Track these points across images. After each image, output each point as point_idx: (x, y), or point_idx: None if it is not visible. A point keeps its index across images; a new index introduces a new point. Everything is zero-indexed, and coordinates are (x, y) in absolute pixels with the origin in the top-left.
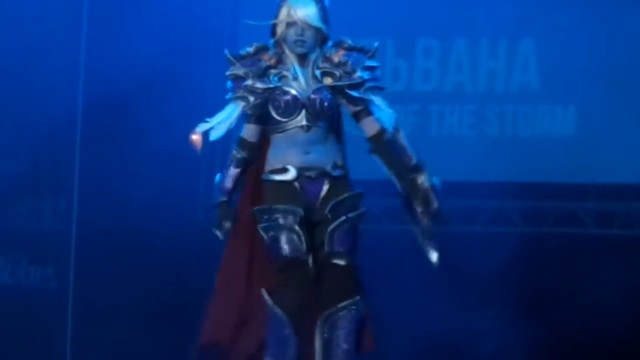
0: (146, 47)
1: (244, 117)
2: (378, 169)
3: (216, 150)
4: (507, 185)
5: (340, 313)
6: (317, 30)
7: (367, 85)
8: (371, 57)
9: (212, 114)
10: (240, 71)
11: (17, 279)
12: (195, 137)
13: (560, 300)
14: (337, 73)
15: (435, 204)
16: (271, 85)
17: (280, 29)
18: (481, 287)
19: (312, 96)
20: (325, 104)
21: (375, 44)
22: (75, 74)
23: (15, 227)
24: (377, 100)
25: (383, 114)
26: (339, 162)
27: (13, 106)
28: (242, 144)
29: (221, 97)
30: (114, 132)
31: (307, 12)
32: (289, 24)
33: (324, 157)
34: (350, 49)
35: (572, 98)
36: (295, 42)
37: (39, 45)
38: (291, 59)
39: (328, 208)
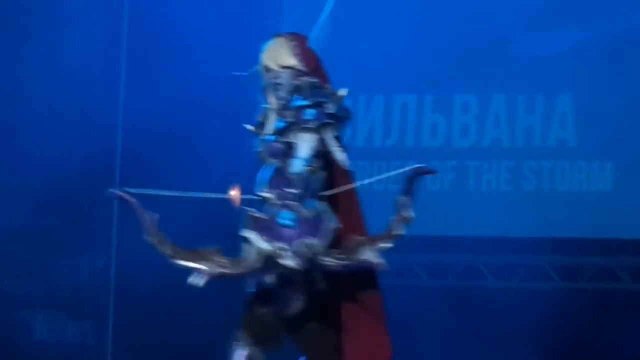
0: (183, 94)
1: None
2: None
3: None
4: (543, 241)
5: None
6: (292, 70)
7: (295, 127)
8: (303, 97)
9: (250, 158)
10: None
11: (55, 335)
12: (234, 193)
13: (597, 356)
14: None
15: None
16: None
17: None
18: (518, 342)
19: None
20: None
21: (293, 83)
22: (113, 125)
23: (53, 282)
24: (300, 143)
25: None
26: None
27: (50, 159)
28: None
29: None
30: (151, 184)
31: (277, 53)
32: (266, 69)
33: None
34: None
35: (609, 154)
36: (273, 86)
37: (77, 97)
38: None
39: None
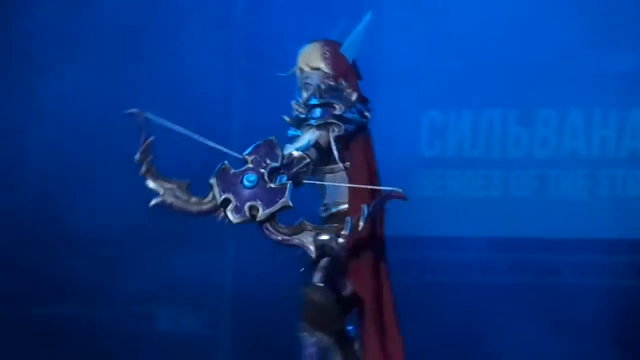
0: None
1: None
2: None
3: None
4: (617, 241)
5: None
6: (321, 72)
7: (306, 122)
8: (315, 96)
9: None
10: None
11: (175, 326)
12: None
13: None
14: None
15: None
16: None
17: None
18: (591, 340)
19: None
20: None
21: (316, 84)
22: (228, 136)
23: (172, 274)
24: (302, 136)
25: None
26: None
27: (170, 169)
28: None
29: None
30: None
31: (308, 56)
32: (300, 70)
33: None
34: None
35: None
36: (304, 85)
37: (193, 112)
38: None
39: None
